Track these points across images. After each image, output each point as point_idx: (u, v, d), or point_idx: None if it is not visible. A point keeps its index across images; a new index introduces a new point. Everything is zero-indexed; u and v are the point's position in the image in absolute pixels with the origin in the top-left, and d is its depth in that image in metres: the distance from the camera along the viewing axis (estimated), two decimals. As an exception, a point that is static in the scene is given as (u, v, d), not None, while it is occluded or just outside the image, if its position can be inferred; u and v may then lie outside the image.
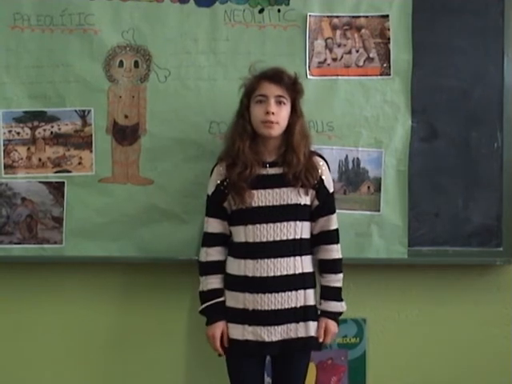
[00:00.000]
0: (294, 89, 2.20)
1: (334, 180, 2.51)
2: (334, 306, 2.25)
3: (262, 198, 2.18)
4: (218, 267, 2.25)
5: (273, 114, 2.14)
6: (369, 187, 2.55)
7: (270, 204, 2.18)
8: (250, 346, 2.17)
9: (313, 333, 2.20)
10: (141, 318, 2.65)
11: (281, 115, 2.17)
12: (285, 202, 2.18)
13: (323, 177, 2.24)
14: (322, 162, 2.26)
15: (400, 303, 2.67)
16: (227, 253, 2.27)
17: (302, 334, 2.18)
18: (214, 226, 2.25)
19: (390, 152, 2.55)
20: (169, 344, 2.66)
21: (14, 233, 2.54)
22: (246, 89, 2.23)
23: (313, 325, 2.21)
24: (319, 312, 2.25)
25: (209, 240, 2.26)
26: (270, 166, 2.21)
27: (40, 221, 2.53)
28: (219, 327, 2.21)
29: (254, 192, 2.18)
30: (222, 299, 2.23)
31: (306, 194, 2.20)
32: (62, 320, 2.64)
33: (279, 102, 2.17)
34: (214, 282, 2.24)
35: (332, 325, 2.24)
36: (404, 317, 2.67)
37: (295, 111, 2.21)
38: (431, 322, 2.67)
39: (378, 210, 2.54)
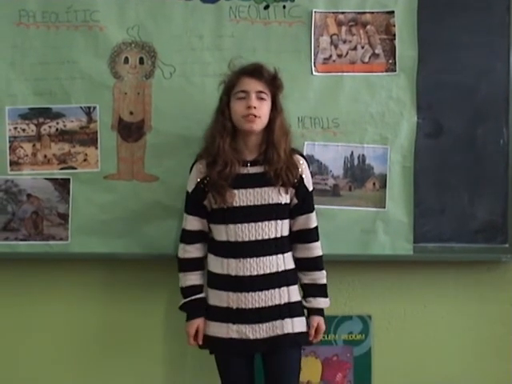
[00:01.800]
0: (273, 84, 2.19)
1: (339, 176, 2.53)
2: (323, 302, 2.26)
3: (243, 197, 2.18)
4: (196, 264, 2.27)
5: (254, 108, 2.14)
6: (374, 184, 2.55)
7: (252, 204, 2.18)
8: (235, 345, 2.17)
9: (300, 328, 2.21)
10: (145, 313, 2.65)
11: (262, 110, 2.16)
12: (266, 202, 2.18)
13: (303, 175, 2.23)
14: (302, 161, 2.25)
15: (405, 300, 2.66)
16: (206, 249, 2.27)
17: (288, 330, 2.18)
18: (193, 223, 2.25)
19: (396, 148, 2.54)
20: (173, 339, 2.65)
21: (20, 229, 2.54)
22: (225, 85, 2.22)
23: (299, 320, 2.21)
24: (306, 310, 2.25)
25: (187, 237, 2.27)
26: (250, 165, 2.21)
27: (46, 217, 2.54)
28: (193, 325, 2.22)
29: (235, 192, 2.17)
30: (200, 296, 2.24)
31: (286, 192, 2.20)
32: (67, 316, 2.65)
33: (260, 98, 2.16)
34: (192, 278, 2.25)
35: (323, 322, 2.26)
36: (409, 313, 2.67)
37: (275, 107, 2.20)
38: (436, 318, 2.67)
39: (384, 207, 2.54)
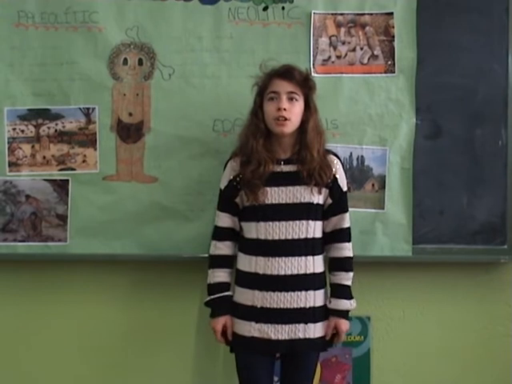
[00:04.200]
0: (305, 85, 2.20)
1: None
2: (343, 304, 2.24)
3: (276, 195, 2.18)
4: (225, 261, 2.26)
5: (285, 110, 2.14)
6: (373, 185, 2.55)
7: (283, 202, 2.18)
8: (256, 343, 2.17)
9: (322, 333, 2.21)
10: (144, 315, 2.65)
11: (293, 111, 2.16)
12: (298, 201, 2.18)
13: (337, 175, 2.24)
14: (336, 161, 2.26)
15: (404, 301, 2.67)
16: (236, 248, 2.27)
17: (310, 335, 2.18)
18: (225, 220, 2.26)
19: (395, 150, 2.54)
20: (172, 341, 2.66)
21: (19, 230, 2.54)
22: (258, 87, 2.23)
23: (321, 325, 2.21)
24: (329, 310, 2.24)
25: (218, 234, 2.27)
26: (284, 164, 2.21)
27: (44, 218, 2.53)
28: (221, 321, 2.22)
29: (268, 189, 2.17)
30: (227, 293, 2.24)
31: (319, 192, 2.20)
32: (66, 317, 2.65)
33: (291, 99, 2.16)
34: (221, 275, 2.25)
35: (343, 324, 2.24)
36: (408, 315, 2.67)
37: (308, 107, 2.21)
38: (435, 319, 2.67)
39: (383, 208, 2.54)
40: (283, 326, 2.16)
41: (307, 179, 2.17)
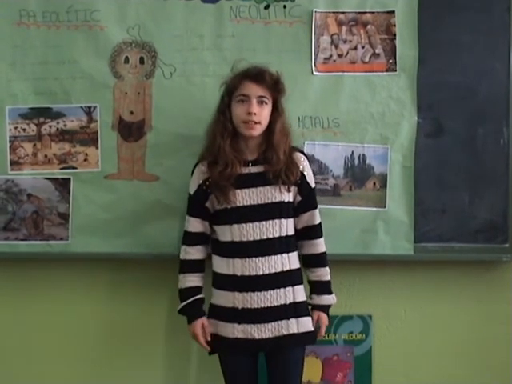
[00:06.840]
0: (275, 88, 2.19)
1: (339, 176, 2.53)
2: (326, 299, 2.27)
3: (246, 197, 2.18)
4: (196, 266, 2.27)
5: (254, 114, 2.14)
6: (374, 183, 2.55)
7: (255, 203, 2.18)
8: (241, 344, 2.17)
9: (305, 328, 2.21)
10: (146, 313, 2.65)
11: (262, 115, 2.16)
12: (269, 201, 2.18)
13: (305, 172, 2.24)
14: (302, 158, 2.26)
15: (406, 299, 2.67)
16: (207, 251, 2.28)
17: (294, 330, 2.19)
18: (195, 225, 2.26)
19: (396, 148, 2.54)
20: (174, 339, 2.66)
21: (20, 229, 2.54)
22: (227, 87, 2.22)
23: (305, 320, 2.22)
24: (310, 306, 2.26)
25: (189, 239, 2.27)
26: (252, 165, 2.21)
27: (46, 217, 2.54)
28: (199, 325, 2.22)
29: (238, 191, 2.18)
30: (199, 296, 2.25)
31: (289, 190, 2.20)
32: (67, 316, 2.65)
33: (261, 102, 2.16)
34: (192, 279, 2.25)
35: (325, 318, 2.27)
36: (410, 313, 2.67)
37: (276, 109, 2.20)
38: (437, 317, 2.67)
39: (384, 207, 2.54)
40: (266, 324, 2.16)
41: (274, 180, 2.17)
